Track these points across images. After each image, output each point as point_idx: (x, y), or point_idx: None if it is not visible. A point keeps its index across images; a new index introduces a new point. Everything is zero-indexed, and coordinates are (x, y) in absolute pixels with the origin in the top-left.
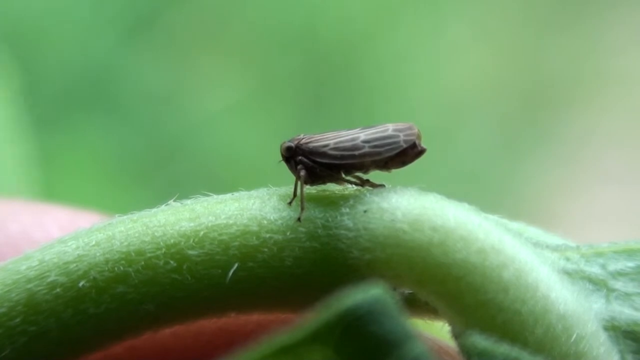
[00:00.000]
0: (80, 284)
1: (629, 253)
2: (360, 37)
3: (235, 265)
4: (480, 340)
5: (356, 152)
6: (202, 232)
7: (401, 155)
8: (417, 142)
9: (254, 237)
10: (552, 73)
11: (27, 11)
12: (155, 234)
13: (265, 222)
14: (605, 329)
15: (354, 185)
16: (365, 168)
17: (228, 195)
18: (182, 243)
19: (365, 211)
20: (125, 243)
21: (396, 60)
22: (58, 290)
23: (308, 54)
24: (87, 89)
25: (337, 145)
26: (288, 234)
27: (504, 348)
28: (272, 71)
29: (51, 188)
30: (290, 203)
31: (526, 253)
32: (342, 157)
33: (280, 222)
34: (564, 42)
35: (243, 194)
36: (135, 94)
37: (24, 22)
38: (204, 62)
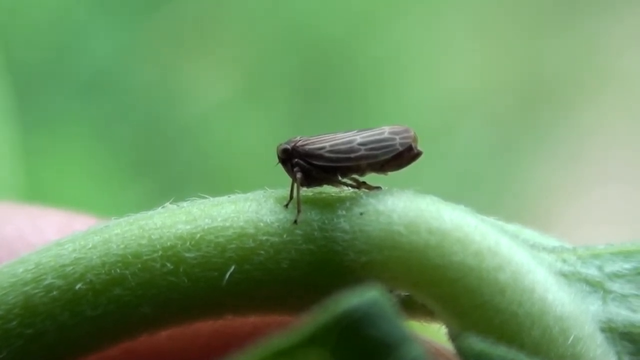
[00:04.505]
0: (77, 287)
1: (626, 254)
2: (357, 36)
3: (232, 268)
4: (477, 343)
5: (352, 155)
6: (198, 235)
7: (397, 158)
8: (413, 145)
9: (251, 240)
10: (551, 72)
11: (19, 7)
12: (152, 236)
13: (261, 224)
14: (602, 330)
15: (350, 188)
16: (361, 171)
17: (224, 198)
18: (179, 245)
19: (361, 213)
20: (122, 246)
21: (393, 59)
22: (55, 293)
23: (303, 53)
24: (78, 87)
25: (333, 148)
26: (285, 236)
27: (501, 350)
28: (267, 71)
29: (44, 189)
30: (286, 205)
31: (523, 255)
32: (338, 159)
33: (276, 224)
34: (563, 42)
35: (239, 196)
36: (130, 93)
37: (16, 18)
38: (198, 61)
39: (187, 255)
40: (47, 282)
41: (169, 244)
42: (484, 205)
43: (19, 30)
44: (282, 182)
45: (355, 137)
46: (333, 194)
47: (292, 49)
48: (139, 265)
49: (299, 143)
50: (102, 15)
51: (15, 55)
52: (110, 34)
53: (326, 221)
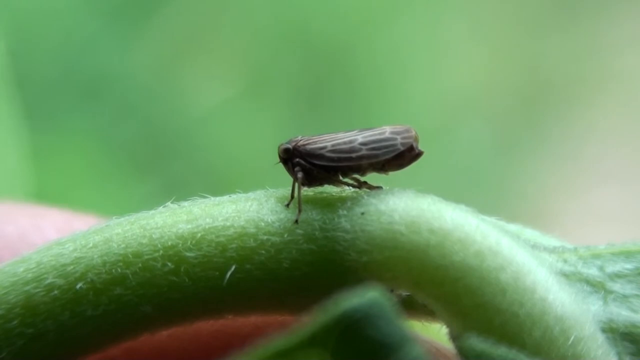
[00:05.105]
0: (78, 286)
1: (627, 255)
2: (357, 36)
3: (233, 267)
4: (477, 343)
5: (353, 155)
6: (199, 234)
7: (398, 158)
8: (414, 144)
9: (252, 239)
10: (551, 72)
11: (26, 14)
12: (153, 236)
13: (262, 224)
14: (603, 331)
15: (351, 188)
16: (362, 170)
17: (225, 197)
18: (180, 245)
19: (362, 213)
20: (123, 245)
21: (393, 59)
22: (55, 292)
23: (304, 53)
24: (79, 89)
25: (334, 148)
26: (285, 236)
27: (501, 350)
28: (268, 71)
29: (44, 188)
30: (287, 205)
31: (524, 255)
32: (340, 159)
33: (277, 224)
34: (563, 41)
35: (240, 196)
36: (132, 94)
37: (22, 24)
38: (199, 61)
39: (188, 254)
40: (48, 281)
41: (170, 243)
42: (484, 205)
43: (26, 37)
44: (283, 182)
45: (356, 136)
46: (334, 194)
47: (293, 49)
48: (140, 265)
49: (300, 143)
50: (104, 18)
51: (23, 60)
52: (112, 36)
53: (327, 221)
